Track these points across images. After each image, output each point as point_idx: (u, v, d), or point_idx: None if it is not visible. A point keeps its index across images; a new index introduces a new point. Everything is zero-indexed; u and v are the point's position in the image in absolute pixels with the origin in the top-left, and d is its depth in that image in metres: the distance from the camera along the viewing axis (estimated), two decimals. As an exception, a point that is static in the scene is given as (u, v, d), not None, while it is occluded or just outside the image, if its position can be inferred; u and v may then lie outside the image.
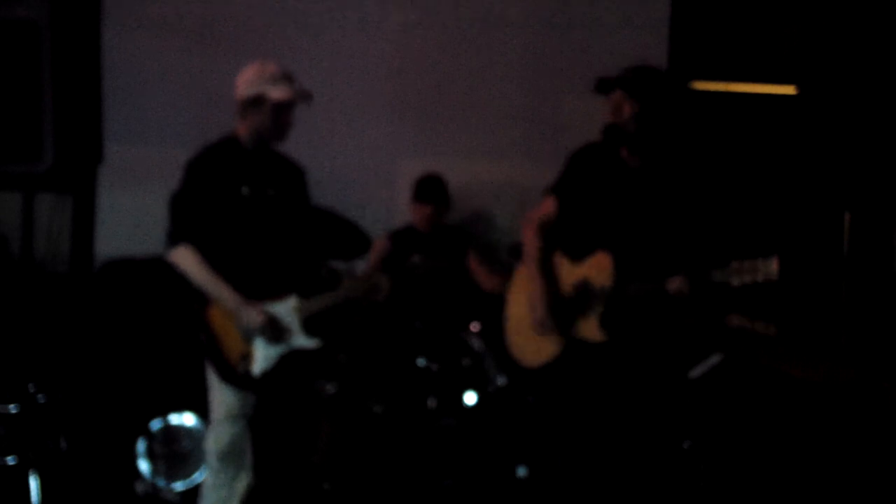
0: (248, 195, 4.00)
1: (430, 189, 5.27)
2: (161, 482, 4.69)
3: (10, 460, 4.70)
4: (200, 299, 3.96)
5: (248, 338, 3.98)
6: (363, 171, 5.71)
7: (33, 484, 4.56)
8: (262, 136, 4.04)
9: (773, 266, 3.63)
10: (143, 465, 4.69)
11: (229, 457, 4.01)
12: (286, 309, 4.03)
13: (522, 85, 5.71)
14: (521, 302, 4.12)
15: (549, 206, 4.06)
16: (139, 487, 4.70)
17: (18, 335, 5.20)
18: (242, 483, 4.04)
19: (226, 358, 3.97)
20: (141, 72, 5.62)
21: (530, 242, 4.06)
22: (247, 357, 3.97)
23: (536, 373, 4.06)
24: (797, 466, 4.51)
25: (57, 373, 5.09)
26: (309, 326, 4.04)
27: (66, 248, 5.72)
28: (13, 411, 4.79)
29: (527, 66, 5.69)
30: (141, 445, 4.69)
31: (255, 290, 3.98)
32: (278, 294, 4.03)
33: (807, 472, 4.48)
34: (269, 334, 3.96)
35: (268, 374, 3.99)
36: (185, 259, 3.91)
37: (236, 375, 3.97)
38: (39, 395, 4.86)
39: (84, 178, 5.66)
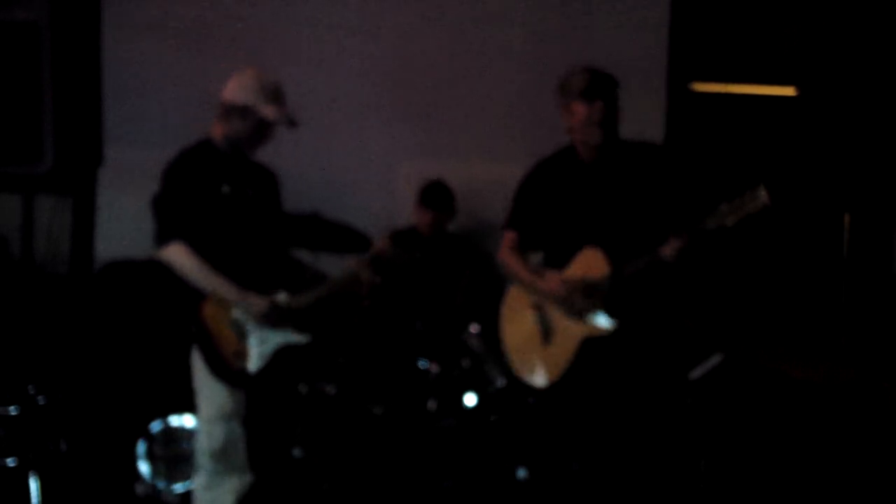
0: (229, 193, 3.98)
1: (434, 196, 5.29)
2: (161, 484, 4.68)
3: (11, 462, 4.71)
4: (193, 297, 3.92)
5: (241, 335, 3.97)
6: (363, 172, 5.70)
7: (33, 485, 4.56)
8: (236, 143, 4.02)
9: (762, 193, 3.61)
10: (143, 467, 4.68)
11: (223, 456, 3.98)
12: None
13: (522, 87, 5.70)
14: (518, 320, 4.11)
15: (509, 241, 4.12)
16: (139, 489, 4.69)
17: (18, 336, 5.20)
18: (237, 482, 4.01)
19: (220, 354, 3.95)
20: (141, 73, 5.61)
21: (513, 266, 4.09)
22: (241, 354, 3.97)
23: (550, 388, 4.03)
24: (797, 467, 4.50)
25: (57, 374, 5.08)
26: (298, 322, 4.04)
27: (66, 250, 5.71)
28: (13, 413, 4.79)
29: (527, 67, 5.69)
30: (141, 447, 4.69)
31: (243, 286, 3.96)
32: (266, 291, 4.00)
33: (807, 473, 4.47)
34: (273, 320, 3.95)
35: (261, 372, 3.98)
36: (179, 255, 3.87)
37: (231, 372, 3.95)
38: (39, 397, 4.86)
39: (84, 179, 5.65)
